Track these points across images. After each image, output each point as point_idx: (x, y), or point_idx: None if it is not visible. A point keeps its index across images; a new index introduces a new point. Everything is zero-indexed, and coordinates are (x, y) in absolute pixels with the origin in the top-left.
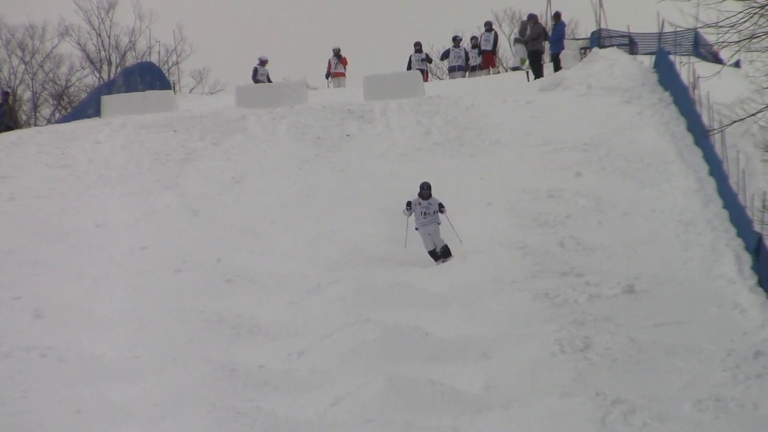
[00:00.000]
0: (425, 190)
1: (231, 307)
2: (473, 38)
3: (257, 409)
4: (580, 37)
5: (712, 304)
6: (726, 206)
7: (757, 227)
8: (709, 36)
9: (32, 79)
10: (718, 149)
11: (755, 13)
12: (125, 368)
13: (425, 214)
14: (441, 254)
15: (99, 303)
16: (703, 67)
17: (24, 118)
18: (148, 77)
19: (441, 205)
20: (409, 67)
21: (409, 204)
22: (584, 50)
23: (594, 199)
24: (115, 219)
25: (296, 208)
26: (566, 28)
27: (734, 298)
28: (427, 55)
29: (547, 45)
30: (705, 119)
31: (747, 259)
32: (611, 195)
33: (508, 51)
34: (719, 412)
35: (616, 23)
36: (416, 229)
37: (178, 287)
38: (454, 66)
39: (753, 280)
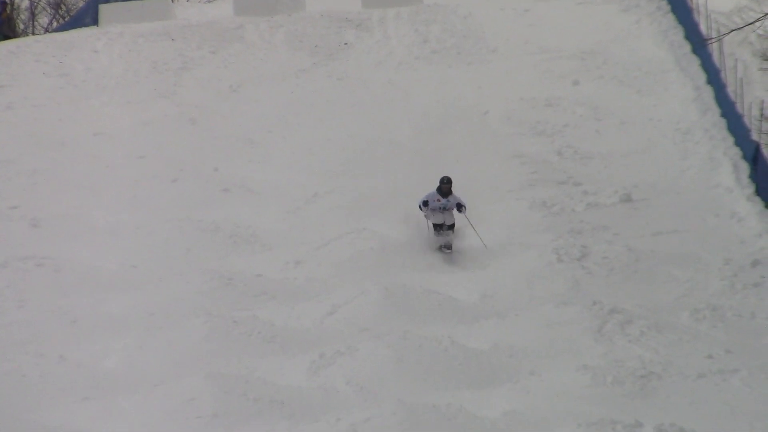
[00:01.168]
0: (445, 185)
1: (228, 217)
2: None
3: (254, 318)
4: None
5: (710, 213)
6: (724, 115)
7: (754, 136)
8: None
9: None
10: (715, 58)
11: None
12: (122, 278)
13: (444, 209)
14: (447, 228)
15: (96, 212)
16: None
17: (21, 27)
18: None
19: (460, 205)
20: None
21: (425, 203)
22: None
23: (591, 107)
24: (113, 128)
25: (294, 116)
26: None
27: (732, 206)
28: None
29: None
30: (703, 28)
31: (744, 167)
32: (609, 104)
33: None
34: (716, 321)
35: None
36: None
37: (176, 197)
38: None
39: (750, 188)
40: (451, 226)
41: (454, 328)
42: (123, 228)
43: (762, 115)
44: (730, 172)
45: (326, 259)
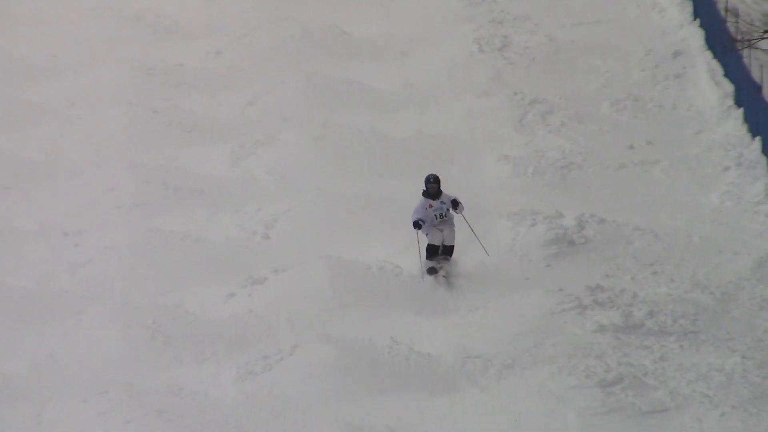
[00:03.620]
0: (432, 184)
1: (150, 6)
2: None
3: (174, 107)
4: None
5: (631, 3)
6: None
7: None
8: None
9: None
10: None
11: None
12: (43, 68)
13: (440, 216)
14: (443, 251)
15: (16, 1)
16: None
17: None
18: None
19: (455, 203)
20: None
21: (419, 226)
22: None
23: None
24: None
25: None
26: None
27: None
28: None
29: None
30: None
31: None
32: None
33: None
34: (637, 111)
35: None
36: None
37: None
38: None
39: None
40: (449, 250)
41: (376, 118)
42: (43, 16)
43: None
44: None
45: (247, 48)
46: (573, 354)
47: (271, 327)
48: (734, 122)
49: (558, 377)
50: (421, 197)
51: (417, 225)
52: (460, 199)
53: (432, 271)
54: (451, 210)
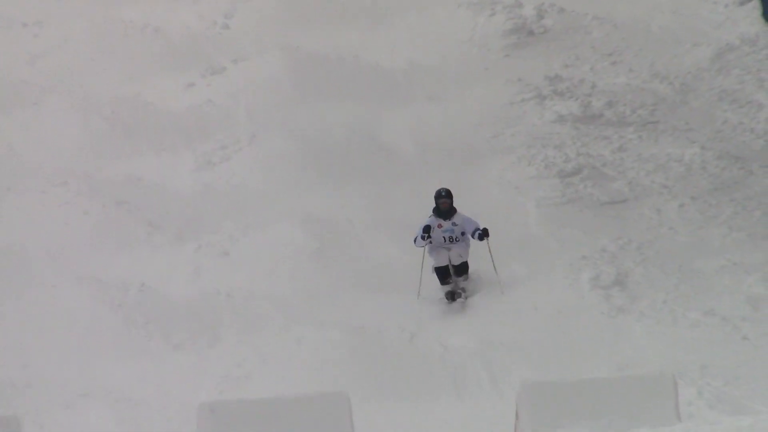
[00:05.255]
0: (444, 199)
1: None
2: None
3: None
4: None
5: None
6: None
7: None
8: None
9: None
10: None
11: None
12: None
13: (450, 240)
14: (455, 272)
15: None
16: None
17: None
18: None
19: (482, 234)
20: None
21: (428, 229)
22: None
23: None
24: None
25: None
26: None
27: None
28: None
29: None
30: None
31: None
32: None
33: None
34: None
35: None
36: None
37: None
38: None
39: None
40: (463, 268)
41: None
42: None
43: None
44: None
45: None
46: (532, 144)
47: (230, 117)
48: None
49: (517, 167)
50: (430, 215)
51: (426, 230)
52: (479, 224)
53: (450, 296)
54: (469, 236)
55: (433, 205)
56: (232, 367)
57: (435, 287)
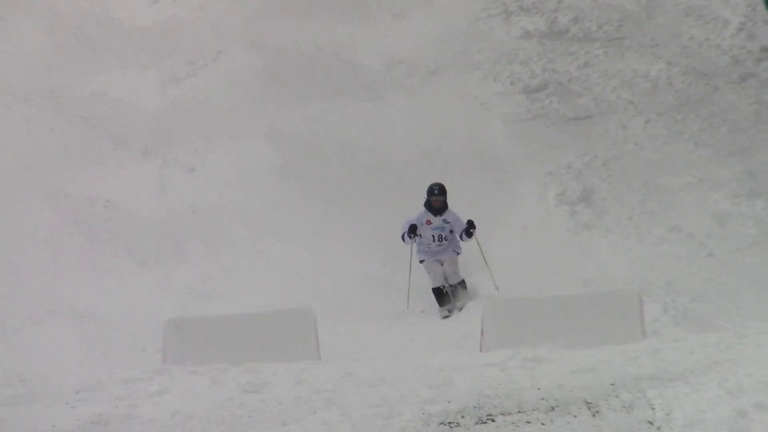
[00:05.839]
0: (437, 196)
1: None
2: None
3: None
4: None
5: None
6: None
7: None
8: None
9: None
10: None
11: None
12: None
13: (439, 239)
14: (453, 294)
15: None
16: None
17: None
18: None
19: (469, 228)
20: None
21: (413, 229)
22: None
23: None
24: None
25: None
26: None
27: None
28: None
29: None
30: None
31: None
32: None
33: None
34: None
35: None
36: (421, 261)
37: None
38: None
39: None
40: (461, 284)
41: None
42: None
43: None
44: None
45: None
46: (498, 60)
47: (196, 33)
48: None
49: (483, 83)
50: (422, 209)
51: (412, 230)
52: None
53: (447, 315)
54: (458, 236)
55: (422, 199)
56: (197, 283)
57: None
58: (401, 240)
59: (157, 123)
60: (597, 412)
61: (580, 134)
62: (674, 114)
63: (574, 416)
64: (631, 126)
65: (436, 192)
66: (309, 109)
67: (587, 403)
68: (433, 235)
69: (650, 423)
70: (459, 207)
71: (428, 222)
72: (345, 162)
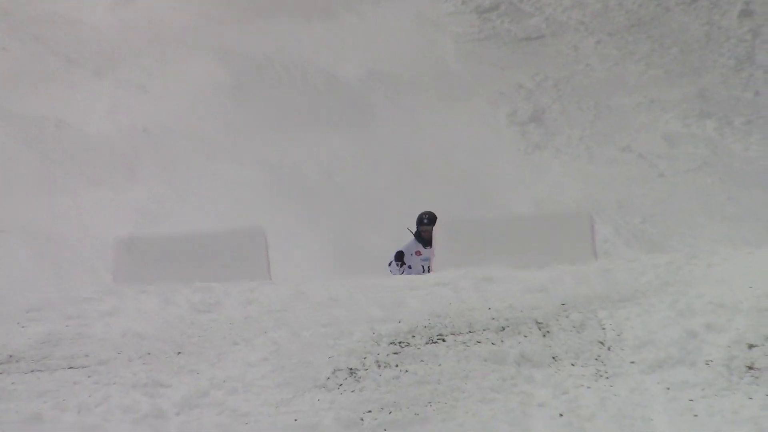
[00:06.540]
0: (426, 226)
1: None
2: None
3: None
4: None
5: None
6: None
7: None
8: None
9: None
10: None
11: None
12: None
13: (429, 270)
14: None
15: None
16: None
17: None
18: None
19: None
20: None
21: (400, 256)
22: None
23: None
24: None
25: None
26: None
27: None
28: None
29: None
30: None
31: None
32: None
33: None
34: None
35: None
36: None
37: None
38: None
39: None
40: None
41: None
42: None
43: None
44: None
45: None
46: None
47: None
48: None
49: (435, 3)
50: (411, 240)
51: (399, 257)
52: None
53: None
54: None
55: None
56: (149, 203)
57: None
58: (388, 267)
59: (109, 42)
60: (548, 332)
61: (531, 54)
62: (625, 34)
63: (525, 336)
64: (582, 46)
65: (425, 222)
66: (261, 30)
67: (538, 323)
68: (422, 266)
69: (601, 343)
70: (410, 128)
71: (417, 253)
72: (297, 83)
